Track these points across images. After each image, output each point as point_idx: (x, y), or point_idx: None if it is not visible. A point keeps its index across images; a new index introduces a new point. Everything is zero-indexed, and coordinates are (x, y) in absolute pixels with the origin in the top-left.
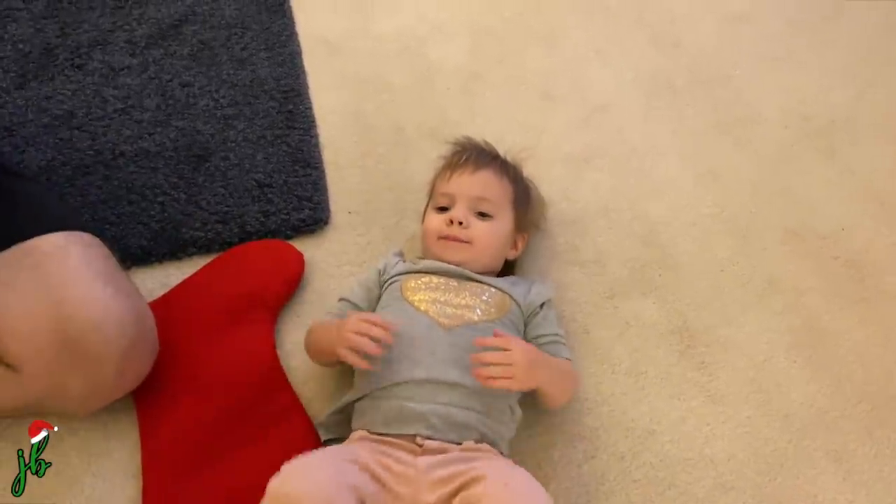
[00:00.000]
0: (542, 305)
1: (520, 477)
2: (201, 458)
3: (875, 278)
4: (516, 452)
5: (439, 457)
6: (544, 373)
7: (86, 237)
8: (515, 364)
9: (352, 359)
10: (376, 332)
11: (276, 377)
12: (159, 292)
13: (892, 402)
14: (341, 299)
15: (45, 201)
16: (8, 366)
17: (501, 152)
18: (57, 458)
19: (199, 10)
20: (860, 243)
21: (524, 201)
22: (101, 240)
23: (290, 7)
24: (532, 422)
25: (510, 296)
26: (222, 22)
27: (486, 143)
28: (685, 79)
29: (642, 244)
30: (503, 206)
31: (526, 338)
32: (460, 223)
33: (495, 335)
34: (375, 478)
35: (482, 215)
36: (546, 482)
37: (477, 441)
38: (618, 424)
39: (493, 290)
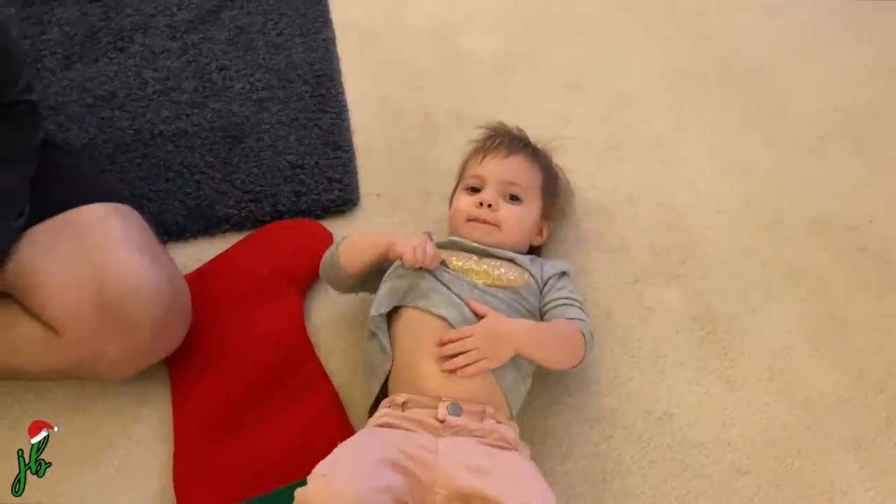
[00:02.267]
0: (556, 276)
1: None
2: (231, 425)
3: None
4: (534, 431)
5: (460, 446)
6: (517, 340)
7: (125, 209)
8: (476, 346)
9: (409, 256)
10: (430, 249)
11: (303, 350)
12: (193, 267)
13: None
14: None
15: (88, 174)
16: (50, 329)
17: (532, 140)
18: (92, 422)
19: None
20: (888, 235)
21: (553, 189)
22: (139, 213)
23: None
24: (550, 402)
25: (528, 270)
26: (259, 8)
27: (519, 129)
28: (714, 71)
29: (666, 232)
30: (532, 192)
31: (540, 307)
32: (489, 206)
33: (470, 307)
34: (405, 471)
35: (512, 199)
36: (563, 461)
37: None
38: (636, 407)
39: (510, 263)
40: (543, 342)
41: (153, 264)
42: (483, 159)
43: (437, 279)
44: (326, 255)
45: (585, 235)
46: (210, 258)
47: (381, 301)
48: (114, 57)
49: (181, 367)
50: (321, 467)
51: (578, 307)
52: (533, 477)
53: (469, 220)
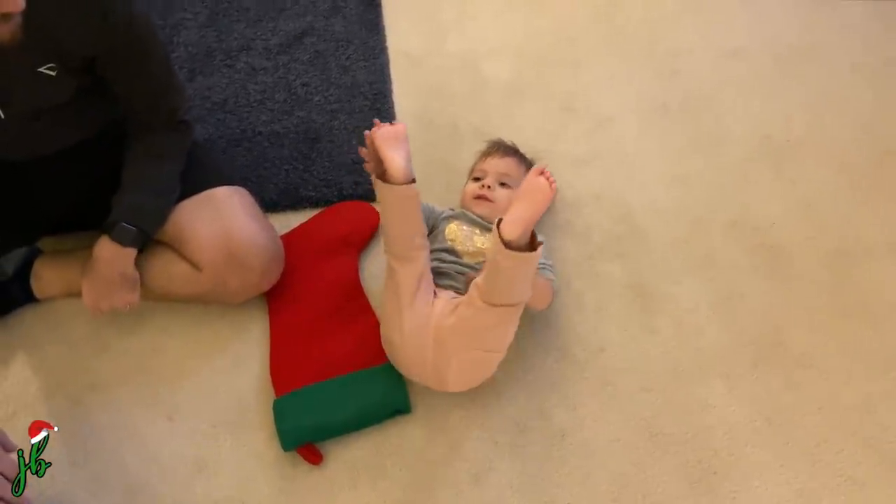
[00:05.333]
0: None
1: None
2: (309, 338)
3: (788, 262)
4: (510, 352)
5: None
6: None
7: (241, 190)
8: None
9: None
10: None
11: (357, 291)
12: (282, 232)
13: (774, 347)
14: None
15: (218, 164)
16: (194, 267)
17: (522, 150)
18: (213, 332)
19: (317, 25)
20: (784, 235)
21: None
22: (250, 192)
23: (383, 26)
24: (524, 335)
25: None
26: (333, 36)
27: (512, 142)
28: (677, 102)
29: (618, 223)
30: (519, 181)
31: None
32: (488, 187)
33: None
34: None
35: (504, 185)
36: (525, 373)
37: None
38: (580, 342)
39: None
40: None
41: (261, 228)
42: (486, 159)
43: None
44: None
45: (559, 223)
46: (295, 226)
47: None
48: (225, 72)
49: (276, 298)
50: None
51: (549, 269)
52: None
53: (475, 197)
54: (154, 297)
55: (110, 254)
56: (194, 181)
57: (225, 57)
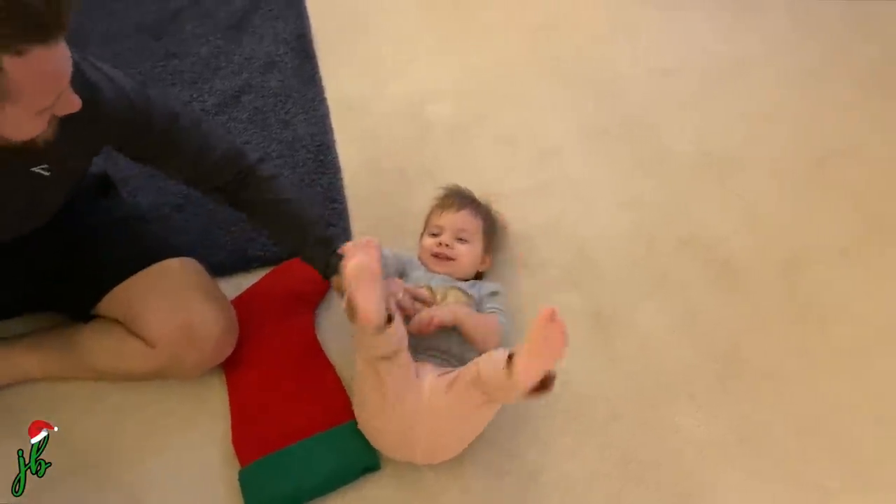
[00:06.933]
0: (489, 294)
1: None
2: (270, 402)
3: (741, 275)
4: None
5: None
6: (457, 311)
7: (190, 260)
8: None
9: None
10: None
11: (315, 349)
12: (235, 295)
13: (736, 362)
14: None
15: (163, 234)
16: (147, 344)
17: (477, 194)
18: (171, 408)
19: (253, 82)
20: (734, 250)
21: (491, 231)
22: (198, 259)
23: (320, 77)
24: None
25: (469, 294)
26: (270, 91)
27: (467, 189)
28: (618, 125)
29: (573, 252)
30: (476, 235)
31: None
32: (447, 245)
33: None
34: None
35: (461, 240)
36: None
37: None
38: None
39: (458, 291)
40: (472, 319)
41: (214, 299)
42: (442, 213)
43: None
44: None
45: (514, 257)
46: (247, 287)
47: None
48: None
49: (233, 365)
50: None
51: (501, 314)
52: None
53: (433, 254)
54: (106, 377)
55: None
56: (140, 254)
57: None
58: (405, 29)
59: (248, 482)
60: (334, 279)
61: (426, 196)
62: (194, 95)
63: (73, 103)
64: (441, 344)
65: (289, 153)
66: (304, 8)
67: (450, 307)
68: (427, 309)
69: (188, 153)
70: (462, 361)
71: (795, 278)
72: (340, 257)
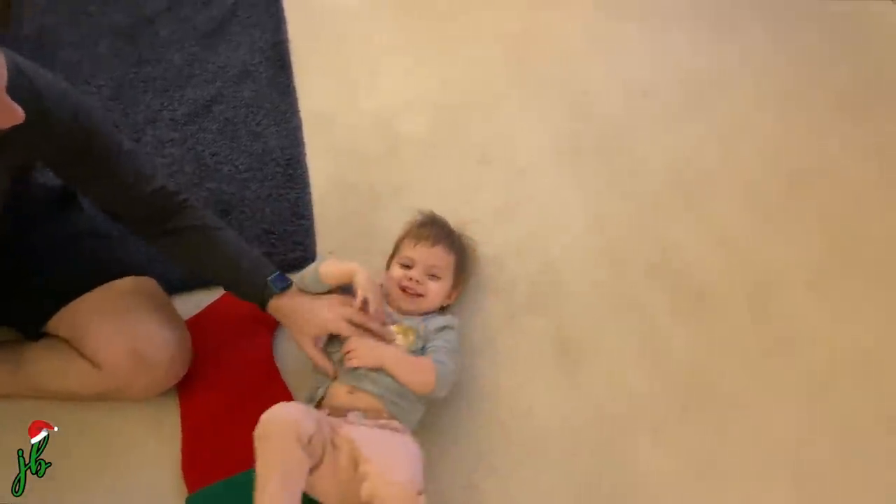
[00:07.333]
0: (437, 329)
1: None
2: (223, 427)
3: (708, 301)
4: (433, 423)
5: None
6: (383, 355)
7: (145, 279)
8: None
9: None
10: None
11: (272, 372)
12: (194, 312)
13: (702, 389)
14: None
15: (118, 251)
16: (94, 365)
17: (452, 223)
18: (129, 427)
19: (226, 92)
20: (703, 275)
21: (463, 267)
22: (153, 276)
23: (294, 89)
24: (448, 402)
25: (418, 330)
26: (243, 102)
27: (443, 219)
28: (591, 142)
29: (541, 275)
30: (447, 272)
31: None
32: (417, 282)
33: None
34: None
35: (432, 276)
36: (452, 444)
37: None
38: (507, 405)
39: (410, 330)
40: (400, 365)
41: (167, 323)
42: (416, 245)
43: None
44: (309, 269)
45: (483, 279)
46: (206, 305)
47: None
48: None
49: (187, 386)
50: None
51: (445, 352)
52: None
53: (401, 287)
54: (54, 397)
55: (295, 302)
56: (91, 273)
57: (131, 131)
58: (381, 41)
59: None
60: (271, 303)
61: (395, 214)
62: (164, 104)
63: (14, 114)
64: (379, 377)
65: (258, 166)
66: (283, 16)
67: (379, 351)
68: (354, 351)
69: (125, 177)
70: (401, 396)
71: (763, 306)
72: (285, 283)
